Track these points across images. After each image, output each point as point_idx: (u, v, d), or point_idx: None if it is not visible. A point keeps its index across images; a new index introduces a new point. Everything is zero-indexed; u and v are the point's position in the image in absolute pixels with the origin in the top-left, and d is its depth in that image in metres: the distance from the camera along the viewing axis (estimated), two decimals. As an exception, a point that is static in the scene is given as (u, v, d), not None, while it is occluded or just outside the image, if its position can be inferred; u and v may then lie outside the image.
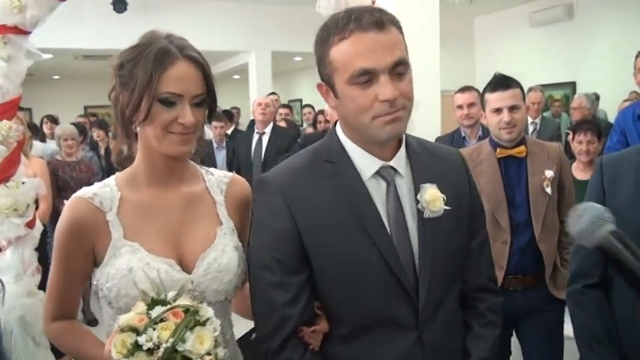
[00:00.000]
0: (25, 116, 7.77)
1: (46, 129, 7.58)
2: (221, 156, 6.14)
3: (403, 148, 1.44)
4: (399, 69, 1.29)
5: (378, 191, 1.40)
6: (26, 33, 2.84)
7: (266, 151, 5.57)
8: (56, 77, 14.51)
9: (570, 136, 4.21)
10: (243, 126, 8.59)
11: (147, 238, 1.40)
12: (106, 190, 1.43)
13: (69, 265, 1.42)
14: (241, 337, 1.65)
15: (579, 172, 3.82)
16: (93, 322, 5.09)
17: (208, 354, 1.19)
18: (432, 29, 4.99)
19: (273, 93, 5.91)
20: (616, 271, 0.99)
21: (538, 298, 2.61)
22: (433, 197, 1.38)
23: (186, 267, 1.41)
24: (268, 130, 5.68)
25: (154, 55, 1.33)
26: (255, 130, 5.73)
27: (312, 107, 8.51)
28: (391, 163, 1.41)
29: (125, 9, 8.53)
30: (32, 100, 10.63)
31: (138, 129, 1.40)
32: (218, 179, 1.56)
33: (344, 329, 1.39)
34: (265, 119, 5.67)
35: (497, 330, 1.53)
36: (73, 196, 1.43)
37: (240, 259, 1.48)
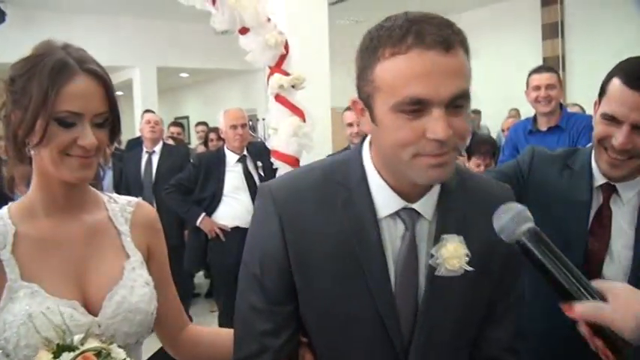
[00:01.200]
0: None
1: None
2: (107, 177, 5.83)
3: (437, 188, 1.19)
4: (459, 102, 1.05)
5: (392, 234, 1.18)
6: None
7: (157, 171, 5.37)
8: None
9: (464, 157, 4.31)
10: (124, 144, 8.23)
11: (47, 277, 1.23)
12: None
13: None
14: None
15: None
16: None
17: None
18: (321, 47, 5.09)
19: (148, 111, 5.74)
20: (533, 268, 1.03)
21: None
22: (453, 253, 1.14)
23: (91, 308, 1.25)
24: (158, 148, 5.48)
25: (50, 68, 1.18)
26: (144, 149, 5.50)
27: (206, 124, 8.31)
28: (415, 205, 1.17)
29: (4, 19, 8.03)
30: None
31: (32, 152, 1.23)
32: (122, 207, 1.41)
33: None
34: (155, 137, 5.46)
35: None
36: None
37: (152, 295, 1.33)
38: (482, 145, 4.08)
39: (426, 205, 1.18)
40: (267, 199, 1.21)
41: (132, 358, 1.23)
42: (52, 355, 1.09)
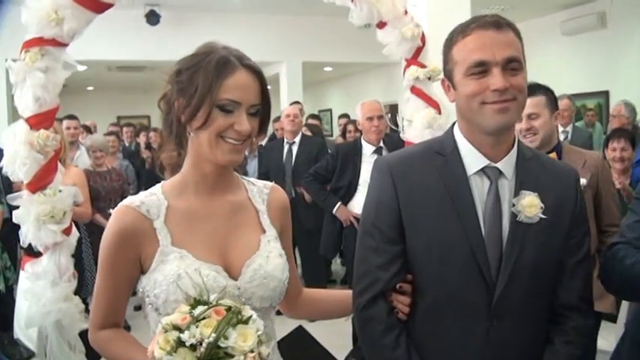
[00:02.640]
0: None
1: (80, 138, 7.70)
2: (252, 165, 6.19)
3: (514, 152, 1.52)
4: (513, 65, 1.42)
5: (480, 188, 1.49)
6: (63, 45, 2.91)
7: (296, 160, 5.64)
8: (90, 88, 14.79)
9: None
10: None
11: (194, 245, 1.42)
12: (152, 199, 1.45)
13: (117, 274, 1.44)
14: None
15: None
16: (125, 328, 5.09)
17: (251, 351, 1.21)
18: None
19: (296, 102, 5.97)
20: None
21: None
22: (530, 204, 1.45)
23: (232, 274, 1.43)
24: (297, 139, 5.73)
25: (216, 63, 1.36)
26: (285, 140, 5.78)
27: (348, 117, 8.55)
28: (498, 164, 1.49)
29: (158, 21, 8.71)
30: (66, 111, 10.79)
31: (191, 135, 1.42)
32: (259, 189, 1.59)
33: (424, 303, 1.51)
34: (294, 129, 5.73)
35: (577, 350, 1.53)
36: (120, 204, 1.45)
37: (284, 265, 1.50)
38: (616, 131, 4.13)
39: (506, 165, 1.50)
40: (382, 165, 1.59)
41: (265, 320, 1.39)
42: (190, 307, 1.25)
